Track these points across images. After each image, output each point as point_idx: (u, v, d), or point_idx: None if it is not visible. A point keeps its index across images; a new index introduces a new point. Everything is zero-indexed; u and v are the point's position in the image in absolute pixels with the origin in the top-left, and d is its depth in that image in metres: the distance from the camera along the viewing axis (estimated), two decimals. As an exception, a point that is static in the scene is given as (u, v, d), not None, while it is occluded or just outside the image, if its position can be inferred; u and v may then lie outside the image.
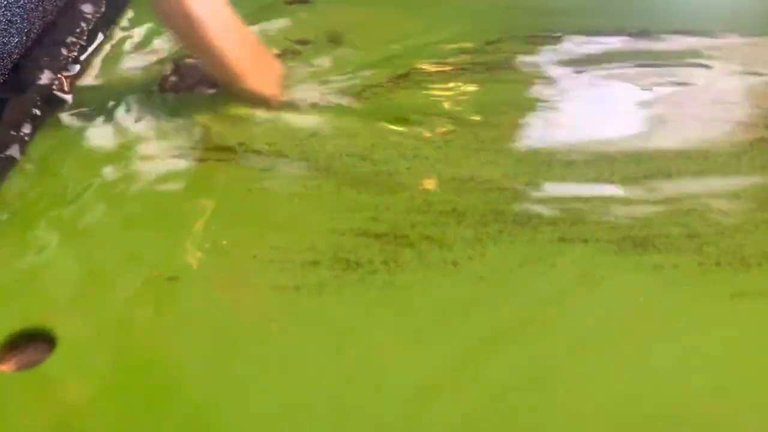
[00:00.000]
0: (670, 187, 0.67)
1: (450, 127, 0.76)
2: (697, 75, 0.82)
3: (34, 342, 0.56)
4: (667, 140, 0.73)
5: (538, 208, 0.66)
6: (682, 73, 0.82)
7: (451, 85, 0.83)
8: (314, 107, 0.80)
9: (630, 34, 0.88)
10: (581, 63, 0.85)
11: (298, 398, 0.52)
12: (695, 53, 0.85)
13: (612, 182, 0.68)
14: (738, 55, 0.84)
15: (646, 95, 0.79)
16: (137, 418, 0.50)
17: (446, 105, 0.80)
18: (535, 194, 0.68)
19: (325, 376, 0.53)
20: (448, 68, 0.85)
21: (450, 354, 0.54)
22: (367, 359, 0.54)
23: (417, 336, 0.56)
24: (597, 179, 0.69)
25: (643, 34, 0.88)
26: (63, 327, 0.56)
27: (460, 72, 0.84)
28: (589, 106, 0.79)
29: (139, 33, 0.96)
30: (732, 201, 0.66)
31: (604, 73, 0.83)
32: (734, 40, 0.87)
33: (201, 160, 0.74)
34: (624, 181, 0.68)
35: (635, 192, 0.67)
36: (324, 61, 0.87)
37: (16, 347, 0.55)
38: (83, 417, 0.50)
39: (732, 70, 0.82)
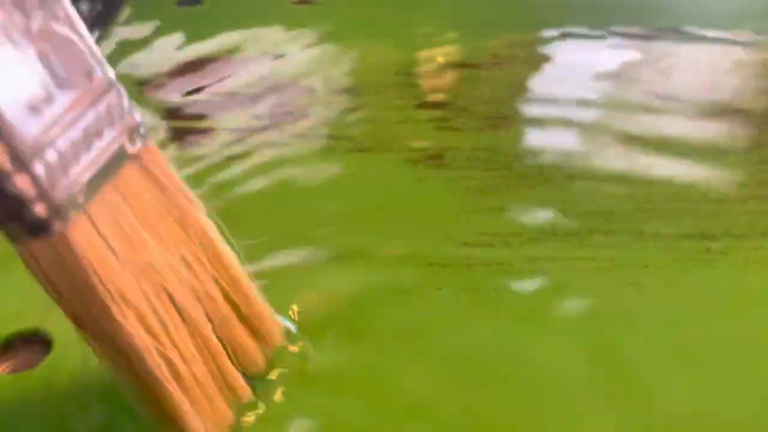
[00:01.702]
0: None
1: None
2: None
3: (29, 344, 0.55)
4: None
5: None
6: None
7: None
8: None
9: None
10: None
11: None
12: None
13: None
14: None
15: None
16: (133, 419, 0.50)
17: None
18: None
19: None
20: None
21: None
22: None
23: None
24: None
25: None
26: (59, 329, 0.56)
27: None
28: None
29: (137, 31, 0.96)
30: None
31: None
32: None
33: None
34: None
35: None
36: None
37: (12, 349, 0.55)
38: (79, 419, 0.50)
39: None
